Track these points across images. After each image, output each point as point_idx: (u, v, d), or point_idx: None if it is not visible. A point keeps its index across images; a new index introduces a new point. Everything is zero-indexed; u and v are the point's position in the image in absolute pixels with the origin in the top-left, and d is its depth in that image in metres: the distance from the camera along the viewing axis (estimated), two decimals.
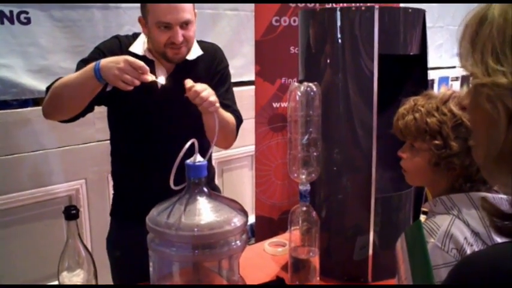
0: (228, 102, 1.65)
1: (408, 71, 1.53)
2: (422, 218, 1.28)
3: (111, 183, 1.79)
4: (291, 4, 2.33)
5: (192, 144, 1.02)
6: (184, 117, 1.50)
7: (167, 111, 1.56)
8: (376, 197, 1.39)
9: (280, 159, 2.44)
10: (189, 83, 1.39)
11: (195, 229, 0.97)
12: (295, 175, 1.34)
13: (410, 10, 1.41)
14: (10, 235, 2.20)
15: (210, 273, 1.07)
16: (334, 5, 2.24)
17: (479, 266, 0.56)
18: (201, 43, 1.66)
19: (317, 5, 2.28)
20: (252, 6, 2.48)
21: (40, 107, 1.54)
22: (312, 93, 1.32)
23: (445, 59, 4.23)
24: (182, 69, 1.56)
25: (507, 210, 0.63)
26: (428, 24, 1.47)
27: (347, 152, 1.43)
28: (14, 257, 2.20)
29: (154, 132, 1.60)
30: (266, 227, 2.49)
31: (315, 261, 1.34)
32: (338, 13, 1.38)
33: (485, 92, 0.59)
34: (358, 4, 1.37)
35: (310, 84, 1.32)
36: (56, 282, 1.16)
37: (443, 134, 1.09)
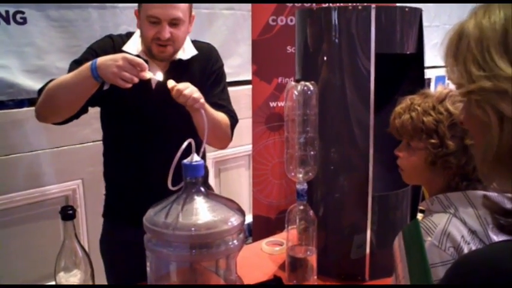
0: (223, 103, 1.65)
1: (405, 70, 1.53)
2: (420, 216, 1.28)
3: None
4: (287, 3, 2.33)
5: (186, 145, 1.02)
6: (177, 117, 1.50)
7: (161, 111, 1.55)
8: (373, 196, 1.39)
9: (278, 159, 2.44)
10: (170, 83, 1.39)
11: (192, 229, 0.97)
12: (293, 174, 1.34)
13: (407, 9, 1.41)
14: (7, 236, 2.19)
15: (208, 273, 1.06)
16: (331, 4, 2.25)
17: (476, 265, 0.56)
18: (196, 43, 1.65)
19: (314, 4, 2.28)
20: (248, 5, 2.48)
21: None
22: (308, 92, 1.32)
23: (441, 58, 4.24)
24: (177, 69, 1.56)
25: (509, 208, 0.63)
26: (424, 23, 1.48)
27: (344, 150, 1.44)
28: (11, 258, 2.20)
29: (147, 132, 1.59)
30: (263, 226, 2.49)
31: (312, 260, 1.34)
32: (335, 12, 1.38)
33: (473, 98, 0.62)
34: (354, 4, 1.37)
35: (307, 83, 1.32)
36: (52, 283, 1.16)
37: (440, 133, 1.10)
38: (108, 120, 1.65)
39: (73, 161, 2.36)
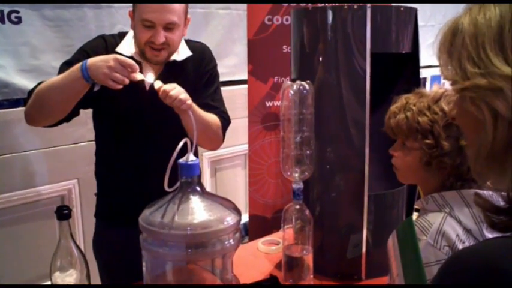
0: (216, 104, 1.64)
1: (400, 69, 1.53)
2: (415, 215, 1.29)
3: None
4: (283, 3, 2.33)
5: (178, 145, 1.01)
6: (168, 118, 1.49)
7: (154, 112, 1.54)
8: (369, 195, 1.39)
9: (274, 158, 2.45)
10: (157, 84, 1.38)
11: (188, 228, 0.97)
12: (288, 173, 1.34)
13: (402, 9, 1.41)
14: (2, 236, 2.18)
15: (204, 272, 1.06)
16: (326, 4, 2.25)
17: (468, 262, 0.56)
18: (189, 43, 1.64)
19: (309, 4, 2.28)
20: (244, 5, 2.49)
21: None
22: (304, 91, 1.32)
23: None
24: (171, 71, 1.54)
25: (501, 205, 0.64)
26: (420, 23, 1.48)
27: (340, 150, 1.44)
28: (6, 258, 2.19)
29: (139, 133, 1.58)
30: (260, 225, 2.50)
31: (309, 259, 1.35)
32: (330, 12, 1.39)
33: (468, 95, 0.62)
34: (350, 4, 1.37)
35: (303, 82, 1.32)
36: (48, 283, 1.16)
37: (435, 133, 1.10)
38: (99, 121, 1.63)
39: (68, 161, 2.36)
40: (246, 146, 2.56)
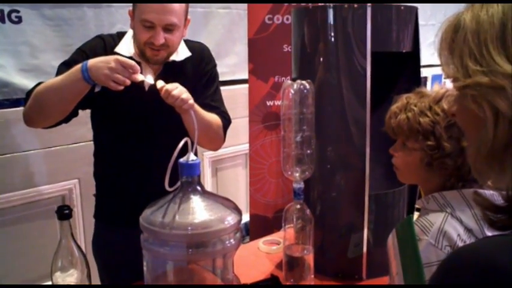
0: (216, 104, 1.63)
1: (401, 68, 1.53)
2: (416, 214, 1.29)
3: None
4: (283, 3, 2.33)
5: (177, 146, 1.01)
6: (169, 119, 1.49)
7: (152, 113, 1.54)
8: (370, 195, 1.39)
9: (274, 158, 2.45)
10: (159, 83, 1.38)
11: (189, 228, 0.97)
12: (289, 173, 1.34)
13: (402, 7, 1.41)
14: (3, 236, 2.18)
15: (204, 272, 1.06)
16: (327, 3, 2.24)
17: (466, 260, 0.56)
18: (188, 42, 1.63)
19: (309, 3, 2.28)
20: (244, 4, 2.48)
21: None
22: (305, 91, 1.32)
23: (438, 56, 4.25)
24: (170, 71, 1.54)
25: (500, 204, 0.63)
26: (420, 22, 1.48)
27: (340, 149, 1.44)
28: (7, 258, 2.19)
29: (139, 133, 1.57)
30: (260, 225, 2.50)
31: (309, 259, 1.35)
32: (331, 11, 1.38)
33: (469, 93, 0.61)
34: (350, 4, 1.37)
35: (303, 82, 1.32)
36: (49, 283, 1.16)
37: (437, 135, 1.09)
38: (99, 122, 1.63)
39: (69, 161, 2.36)
40: (246, 146, 2.56)
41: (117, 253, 1.60)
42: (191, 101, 1.40)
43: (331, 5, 1.38)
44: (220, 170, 3.16)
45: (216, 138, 1.63)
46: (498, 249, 0.55)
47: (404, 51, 1.44)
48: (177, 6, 1.44)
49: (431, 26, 3.85)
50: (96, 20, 2.34)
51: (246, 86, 2.47)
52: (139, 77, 1.35)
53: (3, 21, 2.08)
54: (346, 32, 1.37)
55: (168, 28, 1.44)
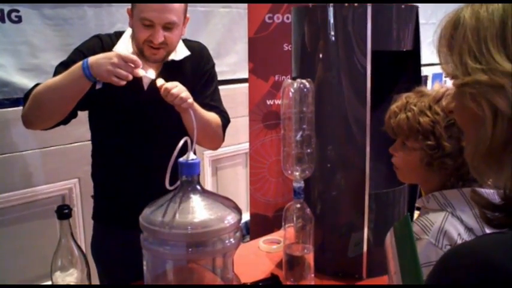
0: (215, 103, 1.63)
1: (401, 67, 1.53)
2: (416, 214, 1.28)
3: None
4: (283, 3, 2.33)
5: (175, 145, 1.01)
6: (168, 117, 1.48)
7: (152, 111, 1.54)
8: (370, 194, 1.39)
9: (274, 157, 2.45)
10: (159, 81, 1.38)
11: (189, 227, 0.96)
12: (289, 172, 1.34)
13: (403, 6, 1.41)
14: (2, 235, 2.18)
15: (204, 271, 1.06)
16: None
17: (462, 258, 0.56)
18: (187, 42, 1.63)
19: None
20: (245, 3, 2.48)
21: None
22: (305, 90, 1.31)
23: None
24: (169, 70, 1.53)
25: (497, 202, 0.63)
26: (421, 20, 1.47)
27: (341, 148, 1.43)
28: (6, 257, 2.19)
29: (138, 132, 1.57)
30: (261, 224, 2.49)
31: (310, 258, 1.34)
32: (331, 10, 1.38)
33: (468, 91, 0.61)
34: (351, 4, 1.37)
35: (304, 81, 1.32)
36: (49, 282, 1.15)
37: (436, 134, 1.09)
38: (97, 122, 1.62)
39: (69, 160, 2.36)
40: (247, 145, 2.55)
41: (116, 254, 1.59)
42: (190, 99, 1.40)
43: (332, 4, 1.38)
44: (221, 169, 3.16)
45: (215, 137, 1.63)
46: (494, 247, 0.55)
47: (404, 50, 1.44)
48: (176, 4, 1.44)
49: (432, 24, 3.84)
50: (96, 19, 2.34)
51: (246, 85, 2.47)
52: (141, 72, 1.35)
53: (3, 21, 2.08)
54: (347, 31, 1.37)
55: (168, 27, 1.44)
